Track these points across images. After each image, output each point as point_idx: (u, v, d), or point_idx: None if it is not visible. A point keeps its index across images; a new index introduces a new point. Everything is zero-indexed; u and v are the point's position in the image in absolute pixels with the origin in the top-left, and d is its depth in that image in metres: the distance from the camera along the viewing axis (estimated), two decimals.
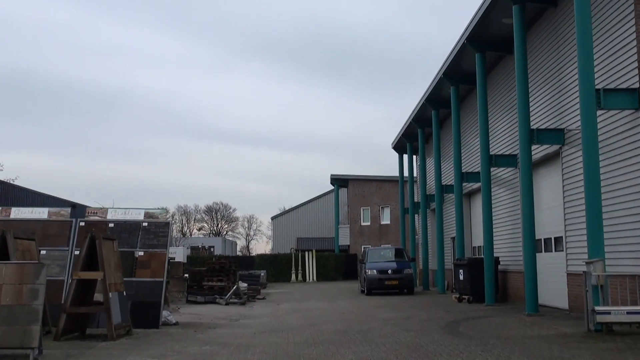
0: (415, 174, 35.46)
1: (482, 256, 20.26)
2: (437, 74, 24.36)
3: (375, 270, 26.57)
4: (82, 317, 12.23)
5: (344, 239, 52.33)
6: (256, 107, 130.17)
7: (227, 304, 21.64)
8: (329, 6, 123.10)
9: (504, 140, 20.45)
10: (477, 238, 24.25)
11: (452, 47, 21.61)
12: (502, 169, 20.33)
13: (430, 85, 26.11)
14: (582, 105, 12.38)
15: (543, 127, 16.72)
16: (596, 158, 12.16)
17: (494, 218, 19.99)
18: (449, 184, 26.99)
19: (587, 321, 11.49)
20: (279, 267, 46.69)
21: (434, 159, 27.89)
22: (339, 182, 53.05)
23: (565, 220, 15.63)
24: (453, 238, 27.08)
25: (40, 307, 9.25)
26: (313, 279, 45.89)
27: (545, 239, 17.58)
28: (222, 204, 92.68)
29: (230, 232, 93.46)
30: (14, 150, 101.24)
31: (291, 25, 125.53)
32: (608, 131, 13.26)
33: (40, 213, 14.99)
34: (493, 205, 20.18)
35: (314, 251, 47.48)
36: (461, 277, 21.19)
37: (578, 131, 14.02)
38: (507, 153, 19.89)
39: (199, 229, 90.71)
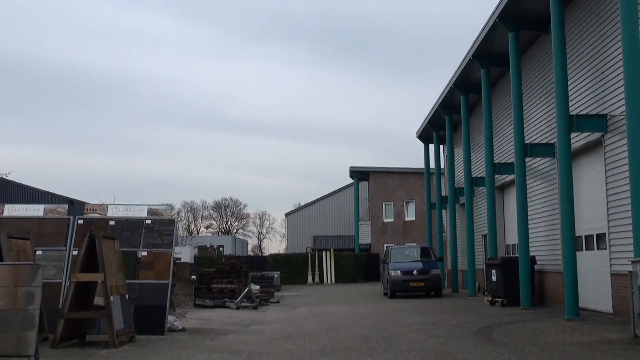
0: (442, 166, 35.40)
1: (517, 255, 20.23)
2: (466, 55, 24.30)
3: (399, 271, 26.59)
4: (82, 322, 12.33)
5: (365, 237, 52.35)
6: (267, 94, 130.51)
7: (238, 308, 21.75)
8: None
9: (540, 128, 20.33)
10: (511, 235, 24.16)
11: (483, 26, 21.54)
12: (538, 159, 20.23)
13: (458, 68, 26.07)
14: (627, 88, 12.26)
15: (583, 113, 16.59)
16: None
17: (529, 213, 19.90)
18: (479, 176, 26.93)
19: (634, 326, 11.42)
20: (293, 268, 46.88)
21: (463, 149, 27.82)
22: (358, 174, 53.06)
23: (608, 215, 15.52)
24: (484, 235, 27.02)
25: (36, 311, 9.30)
26: (331, 281, 46.03)
27: (586, 236, 17.47)
28: (231, 199, 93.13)
29: (240, 230, 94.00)
30: (6, 143, 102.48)
31: (304, 3, 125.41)
32: None
33: (36, 210, 15.16)
34: (528, 199, 20.08)
35: (332, 250, 47.63)
36: (494, 278, 21.13)
37: (623, 117, 13.87)
38: (543, 142, 19.78)
39: (207, 227, 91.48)
